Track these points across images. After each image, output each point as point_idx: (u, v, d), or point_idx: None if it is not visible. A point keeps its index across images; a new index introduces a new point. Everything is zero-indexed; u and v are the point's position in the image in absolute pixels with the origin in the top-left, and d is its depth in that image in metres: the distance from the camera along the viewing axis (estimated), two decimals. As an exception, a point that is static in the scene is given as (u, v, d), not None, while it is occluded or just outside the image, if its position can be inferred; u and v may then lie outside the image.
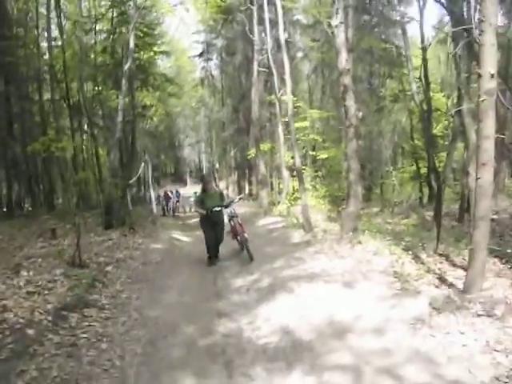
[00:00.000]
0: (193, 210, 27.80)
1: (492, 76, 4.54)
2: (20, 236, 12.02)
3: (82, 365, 4.15)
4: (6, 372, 3.75)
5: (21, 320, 4.80)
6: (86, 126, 24.48)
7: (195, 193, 29.12)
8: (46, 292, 5.96)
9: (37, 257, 8.14)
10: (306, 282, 6.66)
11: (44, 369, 3.94)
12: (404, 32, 8.83)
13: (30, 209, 25.00)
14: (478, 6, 4.82)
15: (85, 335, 4.83)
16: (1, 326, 4.53)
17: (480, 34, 4.53)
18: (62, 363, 4.11)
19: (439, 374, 3.69)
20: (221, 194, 9.75)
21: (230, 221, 9.26)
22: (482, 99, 4.56)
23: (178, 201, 27.52)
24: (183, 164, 63.79)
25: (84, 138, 22.95)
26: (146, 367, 4.23)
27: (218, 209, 8.87)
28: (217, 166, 41.16)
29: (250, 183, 26.84)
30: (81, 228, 8.92)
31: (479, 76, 4.58)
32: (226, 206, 9.22)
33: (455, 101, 17.33)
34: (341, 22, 9.08)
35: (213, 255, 9.00)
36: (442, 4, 8.02)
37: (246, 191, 29.34)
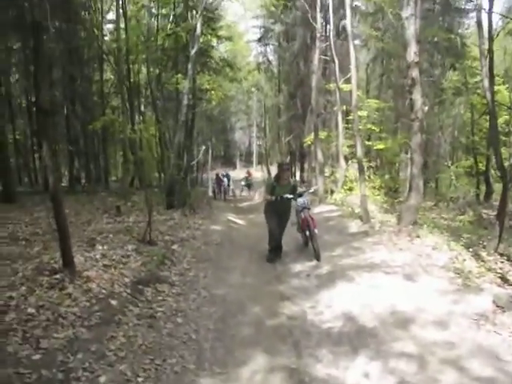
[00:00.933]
0: (252, 195, 28.08)
1: None
2: (85, 211, 12.59)
3: (162, 336, 4.51)
4: (99, 336, 4.15)
5: (103, 291, 5.20)
6: (142, 107, 25.22)
7: (246, 177, 29.47)
8: (121, 266, 6.36)
9: (107, 232, 8.60)
10: (365, 271, 6.83)
11: (130, 336, 4.33)
12: (479, 23, 8.60)
13: (87, 185, 26.07)
14: None
15: (161, 309, 5.21)
16: (88, 295, 4.94)
17: None
18: (145, 333, 4.49)
19: (504, 370, 3.83)
20: (294, 187, 8.53)
21: (300, 212, 8.51)
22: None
23: (228, 184, 27.55)
24: (233, 147, 64.00)
25: (141, 118, 23.61)
26: (219, 342, 4.54)
27: (289, 196, 8.04)
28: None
29: (303, 170, 26.93)
30: (145, 206, 9.31)
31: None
32: (300, 195, 8.46)
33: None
34: (411, 14, 9.02)
35: (274, 247, 8.30)
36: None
37: (298, 178, 29.44)
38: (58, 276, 5.22)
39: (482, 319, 4.83)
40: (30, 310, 4.30)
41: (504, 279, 6.08)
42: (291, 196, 8.11)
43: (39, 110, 5.40)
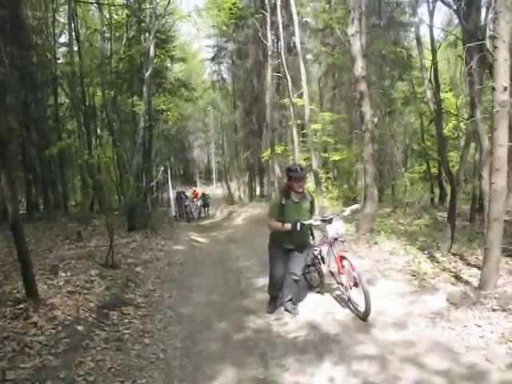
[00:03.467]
0: (212, 213, 27.54)
1: (505, 89, 4.90)
2: (45, 238, 12.35)
3: (130, 357, 4.53)
4: (68, 362, 4.15)
5: (68, 317, 5.20)
6: (98, 131, 24.98)
7: (204, 194, 28.81)
8: (86, 291, 6.36)
9: (69, 258, 8.51)
10: (327, 281, 7.02)
11: (99, 360, 4.34)
12: (418, 39, 9.08)
13: (45, 211, 25.50)
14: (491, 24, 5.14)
15: (127, 331, 5.22)
16: (53, 323, 4.94)
17: (493, 50, 4.89)
18: (113, 356, 4.50)
19: (459, 362, 4.08)
20: (312, 202, 5.70)
21: (331, 246, 5.77)
22: (495, 110, 4.92)
23: (186, 205, 26.61)
24: (193, 165, 63.84)
25: (97, 142, 23.41)
26: (188, 359, 4.60)
27: (314, 223, 5.54)
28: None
29: (262, 185, 27.18)
30: (106, 230, 9.28)
31: (493, 89, 4.95)
32: (329, 221, 5.66)
33: (464, 100, 17.66)
34: (356, 31, 9.43)
35: (275, 295, 6.02)
36: (458, 15, 8.24)
37: (257, 192, 29.66)
38: (21, 306, 5.20)
39: (438, 317, 5.09)
40: (-6, 342, 4.28)
41: (457, 277, 6.40)
42: (317, 223, 5.61)
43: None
